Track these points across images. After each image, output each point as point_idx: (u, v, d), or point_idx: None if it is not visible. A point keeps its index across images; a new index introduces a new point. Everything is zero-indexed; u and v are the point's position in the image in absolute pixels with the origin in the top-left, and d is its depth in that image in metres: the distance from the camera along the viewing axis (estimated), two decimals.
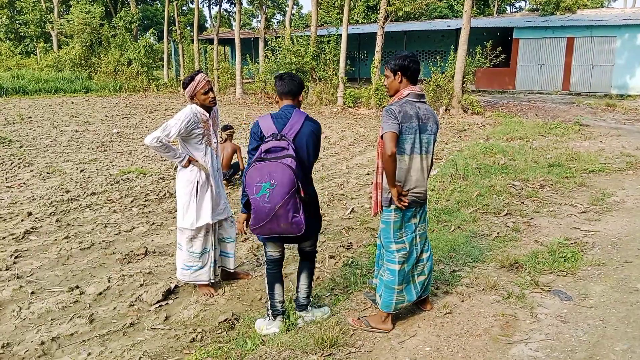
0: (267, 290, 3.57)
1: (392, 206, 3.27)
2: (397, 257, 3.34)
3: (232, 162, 7.59)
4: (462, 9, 17.05)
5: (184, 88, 3.93)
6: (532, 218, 5.76)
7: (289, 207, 3.07)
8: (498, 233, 5.27)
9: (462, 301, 3.78)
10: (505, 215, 5.89)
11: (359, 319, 3.51)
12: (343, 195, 7.18)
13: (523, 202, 6.36)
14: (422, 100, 3.25)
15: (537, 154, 9.26)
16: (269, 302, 3.56)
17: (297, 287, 3.63)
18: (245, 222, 3.47)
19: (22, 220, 5.93)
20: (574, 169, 7.97)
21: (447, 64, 17.42)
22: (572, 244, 4.87)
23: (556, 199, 6.49)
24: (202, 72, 3.96)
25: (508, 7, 51.16)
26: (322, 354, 3.10)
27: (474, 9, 35.21)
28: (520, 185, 7.08)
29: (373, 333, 3.36)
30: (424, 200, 3.38)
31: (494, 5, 43.74)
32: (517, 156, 9.01)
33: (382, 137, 3.15)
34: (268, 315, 3.58)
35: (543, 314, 3.54)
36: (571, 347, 3.13)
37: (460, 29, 16.38)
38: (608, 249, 4.74)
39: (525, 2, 48.83)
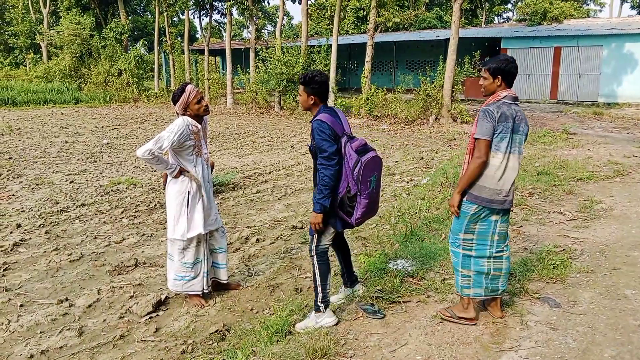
0: (319, 283, 3.56)
1: (474, 200, 3.38)
2: (462, 242, 3.49)
3: None
4: (451, 19, 17.24)
5: (175, 102, 3.93)
6: (521, 226, 5.81)
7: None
8: None
9: None
10: None
11: (446, 309, 3.66)
12: None
13: (512, 210, 6.41)
14: (516, 102, 3.45)
15: (526, 162, 9.34)
16: (321, 294, 3.57)
17: (348, 267, 3.96)
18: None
19: (11, 232, 5.89)
20: (562, 176, 8.05)
21: (436, 74, 17.58)
22: (561, 251, 4.91)
23: (545, 206, 6.55)
24: (189, 83, 4.01)
25: (496, 18, 51.83)
26: None
27: (463, 19, 35.65)
28: None
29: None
30: (511, 204, 3.44)
31: (482, 16, 44.30)
32: None
33: (475, 138, 3.33)
34: (318, 308, 3.59)
35: (533, 321, 3.57)
36: (561, 354, 3.15)
37: (449, 39, 16.56)
38: (596, 256, 4.79)
39: (513, 12, 49.45)
